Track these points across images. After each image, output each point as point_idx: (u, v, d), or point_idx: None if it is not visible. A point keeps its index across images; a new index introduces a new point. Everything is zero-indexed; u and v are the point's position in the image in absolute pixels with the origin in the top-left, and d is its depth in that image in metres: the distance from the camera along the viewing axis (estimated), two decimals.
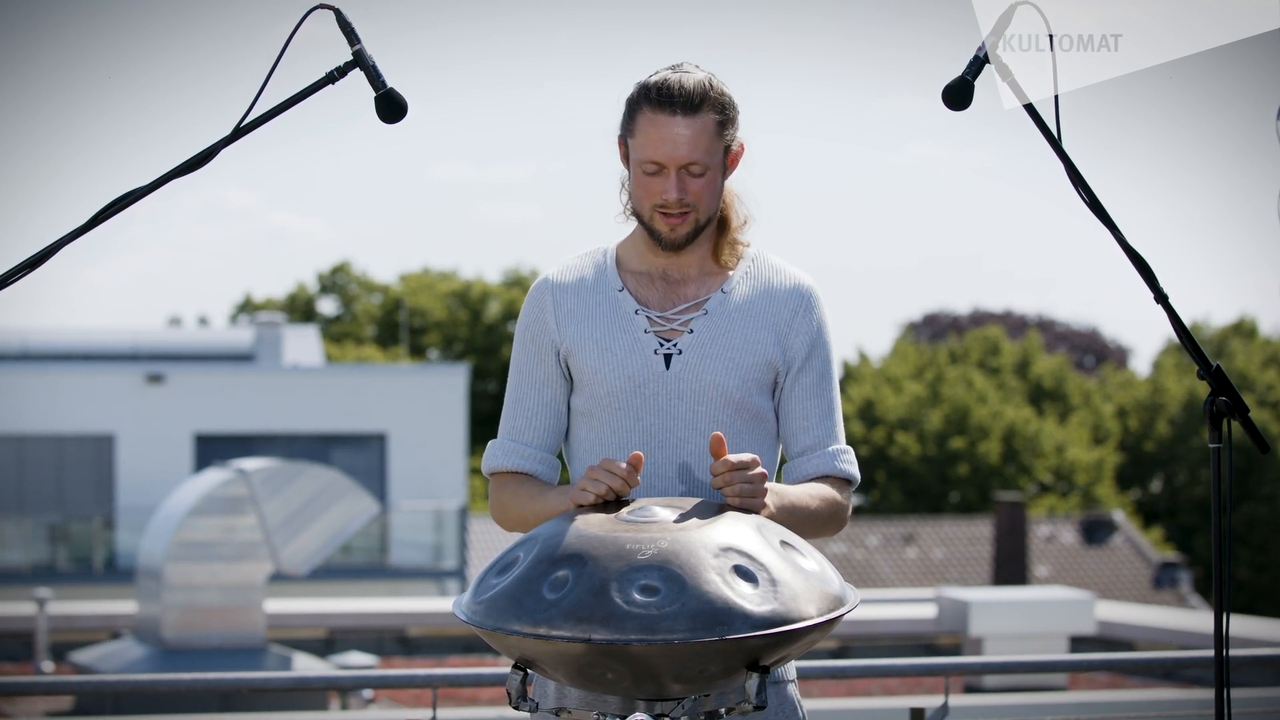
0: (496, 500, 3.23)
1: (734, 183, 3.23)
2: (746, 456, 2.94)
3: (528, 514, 3.15)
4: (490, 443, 3.27)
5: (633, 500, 2.96)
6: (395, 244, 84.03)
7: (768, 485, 3.00)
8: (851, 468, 3.22)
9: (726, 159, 3.16)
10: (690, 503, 2.90)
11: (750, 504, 2.93)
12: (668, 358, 3.15)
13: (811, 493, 3.14)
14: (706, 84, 3.12)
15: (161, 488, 25.07)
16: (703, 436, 3.13)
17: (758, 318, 3.18)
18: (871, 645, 18.70)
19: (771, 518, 3.00)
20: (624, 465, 2.92)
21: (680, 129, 3.08)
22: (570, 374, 3.21)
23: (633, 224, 3.24)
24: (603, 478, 2.93)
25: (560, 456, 3.29)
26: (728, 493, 2.92)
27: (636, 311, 3.18)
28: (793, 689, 3.16)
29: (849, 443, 3.27)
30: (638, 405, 3.15)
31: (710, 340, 3.15)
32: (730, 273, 3.21)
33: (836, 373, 3.27)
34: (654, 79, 3.12)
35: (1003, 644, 16.74)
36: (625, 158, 3.19)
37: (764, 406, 3.18)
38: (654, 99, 3.10)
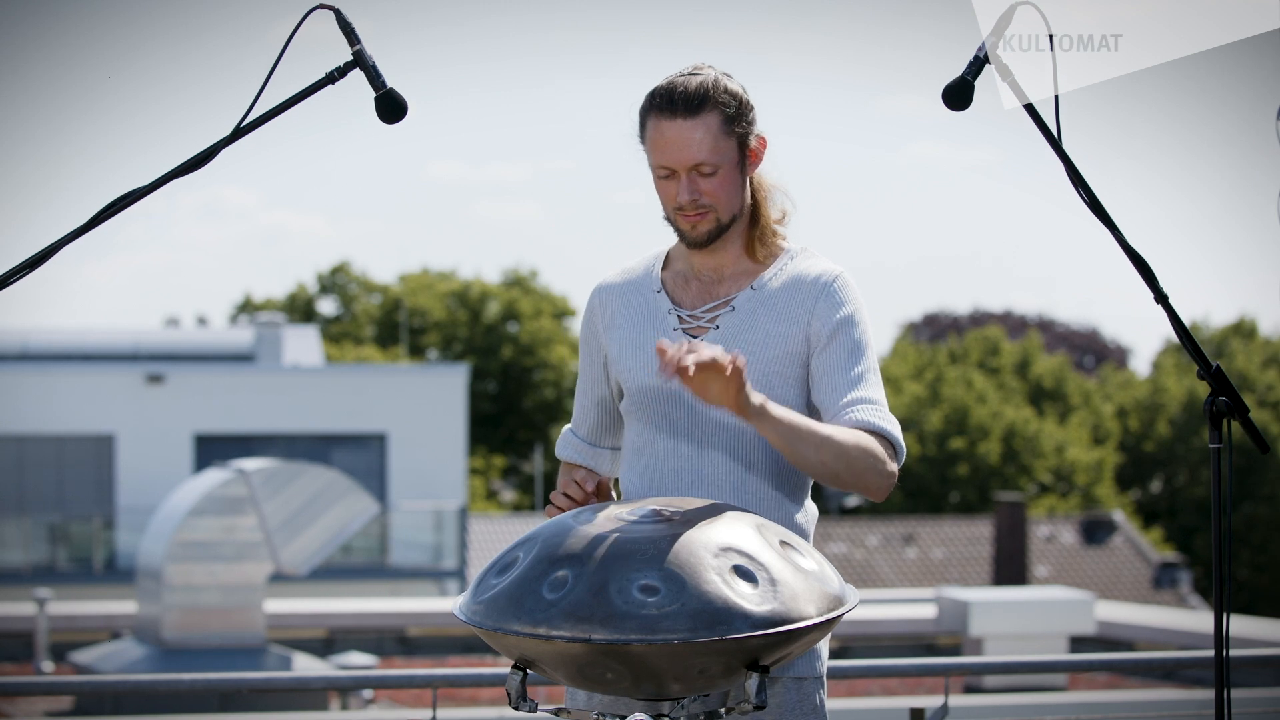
0: None
1: (770, 175, 3.24)
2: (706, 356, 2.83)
3: None
4: (563, 428, 3.45)
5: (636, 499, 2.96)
6: (394, 244, 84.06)
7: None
8: (886, 424, 3.09)
9: (744, 154, 3.17)
10: (690, 502, 2.90)
11: (720, 397, 2.87)
12: None
13: (835, 425, 3.07)
14: (710, 83, 3.13)
15: (161, 488, 25.08)
16: (728, 431, 3.15)
17: (783, 311, 3.18)
18: (871, 645, 18.70)
19: (768, 419, 2.93)
20: (588, 485, 3.17)
21: (684, 131, 3.11)
22: (618, 381, 3.30)
23: None
24: (571, 493, 3.20)
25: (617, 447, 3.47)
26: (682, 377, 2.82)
27: (670, 311, 3.24)
28: (811, 687, 3.12)
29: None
30: (665, 401, 3.19)
31: (734, 335, 3.17)
32: (764, 271, 3.23)
33: (873, 353, 3.20)
34: (660, 85, 3.16)
35: (1003, 644, 16.74)
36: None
37: (789, 399, 3.15)
38: (658, 105, 3.14)
